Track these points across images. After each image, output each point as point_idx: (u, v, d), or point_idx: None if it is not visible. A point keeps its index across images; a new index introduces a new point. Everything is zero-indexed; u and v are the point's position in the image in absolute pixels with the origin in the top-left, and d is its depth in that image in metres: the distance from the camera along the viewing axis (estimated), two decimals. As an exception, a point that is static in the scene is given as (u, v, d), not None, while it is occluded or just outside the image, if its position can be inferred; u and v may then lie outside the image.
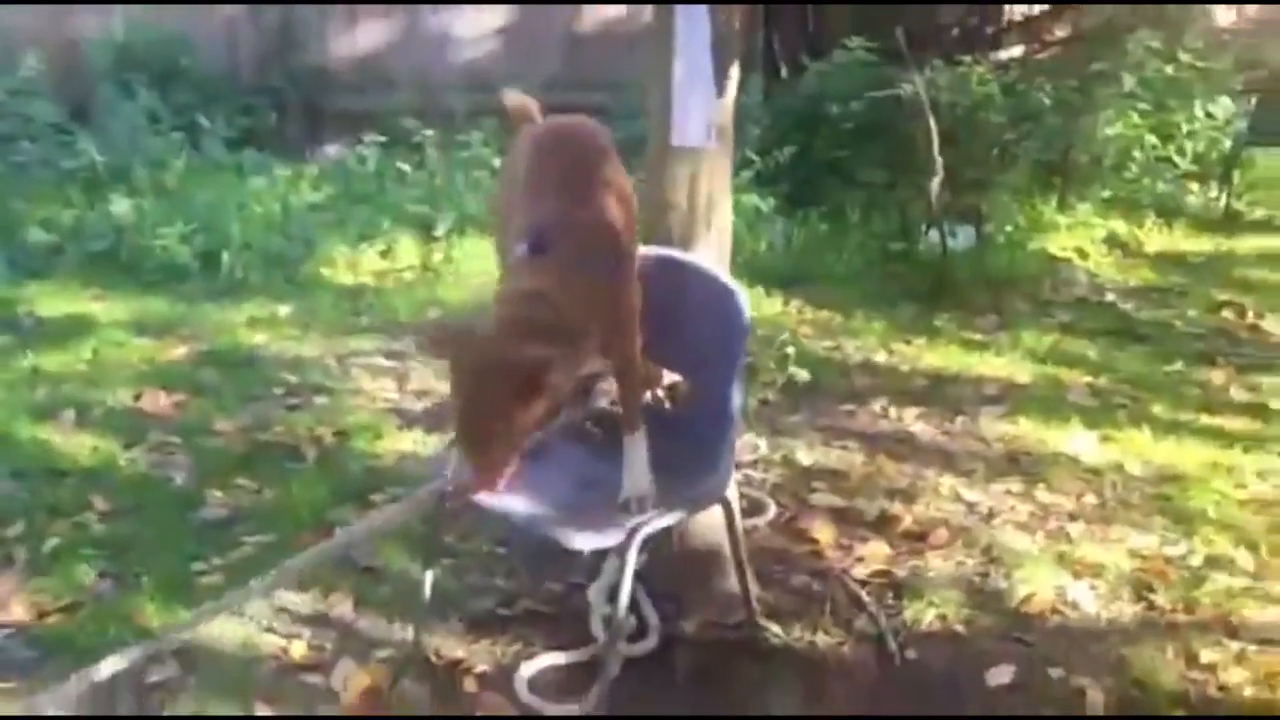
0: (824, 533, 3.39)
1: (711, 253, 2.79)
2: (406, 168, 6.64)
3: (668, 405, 2.79)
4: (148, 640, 2.65)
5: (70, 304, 5.22)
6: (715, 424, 2.56)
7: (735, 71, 2.74)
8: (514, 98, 2.80)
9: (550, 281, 2.25)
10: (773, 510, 3.50)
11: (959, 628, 2.95)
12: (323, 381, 4.39)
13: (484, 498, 2.37)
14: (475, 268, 5.55)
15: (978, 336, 4.98)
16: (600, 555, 2.72)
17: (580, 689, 2.66)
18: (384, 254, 5.75)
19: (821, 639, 2.91)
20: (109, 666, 2.08)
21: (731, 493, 2.76)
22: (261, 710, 2.62)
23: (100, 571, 3.16)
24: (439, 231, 5.84)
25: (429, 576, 2.78)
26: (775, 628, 2.93)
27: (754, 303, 5.06)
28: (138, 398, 4.24)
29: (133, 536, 3.33)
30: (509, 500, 2.42)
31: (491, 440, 2.18)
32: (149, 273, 5.53)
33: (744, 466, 3.74)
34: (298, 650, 2.84)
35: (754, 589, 2.88)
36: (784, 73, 7.78)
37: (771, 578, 3.14)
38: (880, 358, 4.78)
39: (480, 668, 2.80)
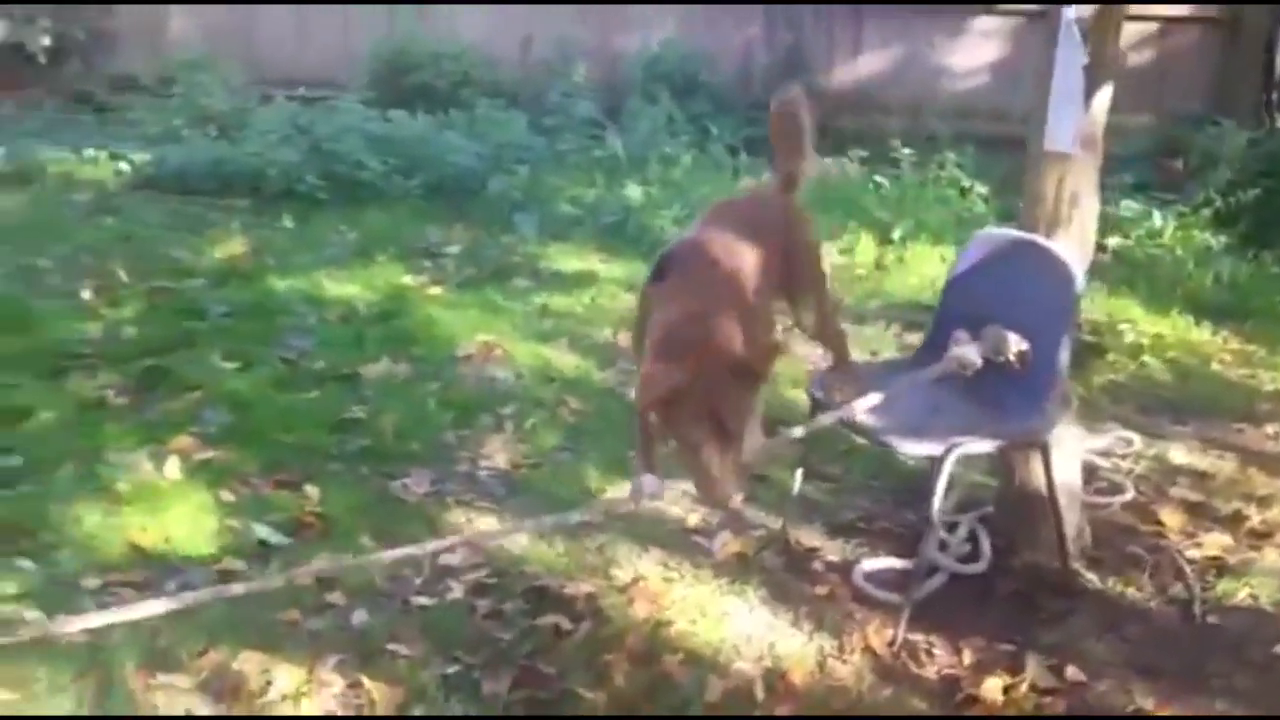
0: (1172, 519, 3.71)
1: (1072, 243, 3.25)
2: (884, 181, 7.31)
3: (1017, 366, 3.29)
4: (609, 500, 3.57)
5: (581, 262, 6.32)
6: (1044, 375, 3.07)
7: (1107, 92, 3.19)
8: None
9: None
10: (1130, 495, 3.86)
11: (1268, 607, 3.24)
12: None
13: (856, 413, 3.01)
14: (922, 269, 6.14)
15: None
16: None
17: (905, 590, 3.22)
18: (844, 250, 6.45)
19: (1133, 593, 3.30)
20: (577, 515, 2.96)
21: (1068, 447, 3.24)
22: (654, 552, 3.40)
23: (561, 446, 4.10)
24: (896, 235, 6.46)
25: (798, 475, 3.47)
26: (1092, 575, 3.35)
27: (1181, 328, 5.37)
28: (617, 334, 5.20)
29: (591, 427, 4.25)
30: (866, 417, 3.06)
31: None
32: (646, 244, 6.51)
33: (1114, 456, 4.12)
34: (692, 519, 3.62)
35: (1072, 537, 3.33)
36: (1277, 125, 7.74)
37: (1109, 542, 3.54)
38: (1294, 389, 4.91)
39: (830, 557, 3.45)
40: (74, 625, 2.55)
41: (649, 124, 7.91)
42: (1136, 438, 4.24)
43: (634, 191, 7.06)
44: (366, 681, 2.81)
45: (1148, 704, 2.80)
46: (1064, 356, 3.06)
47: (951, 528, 3.44)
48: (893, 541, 3.54)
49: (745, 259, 2.74)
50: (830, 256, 6.41)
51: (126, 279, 5.68)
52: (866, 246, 6.45)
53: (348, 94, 8.57)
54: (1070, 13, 3.12)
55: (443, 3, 9.34)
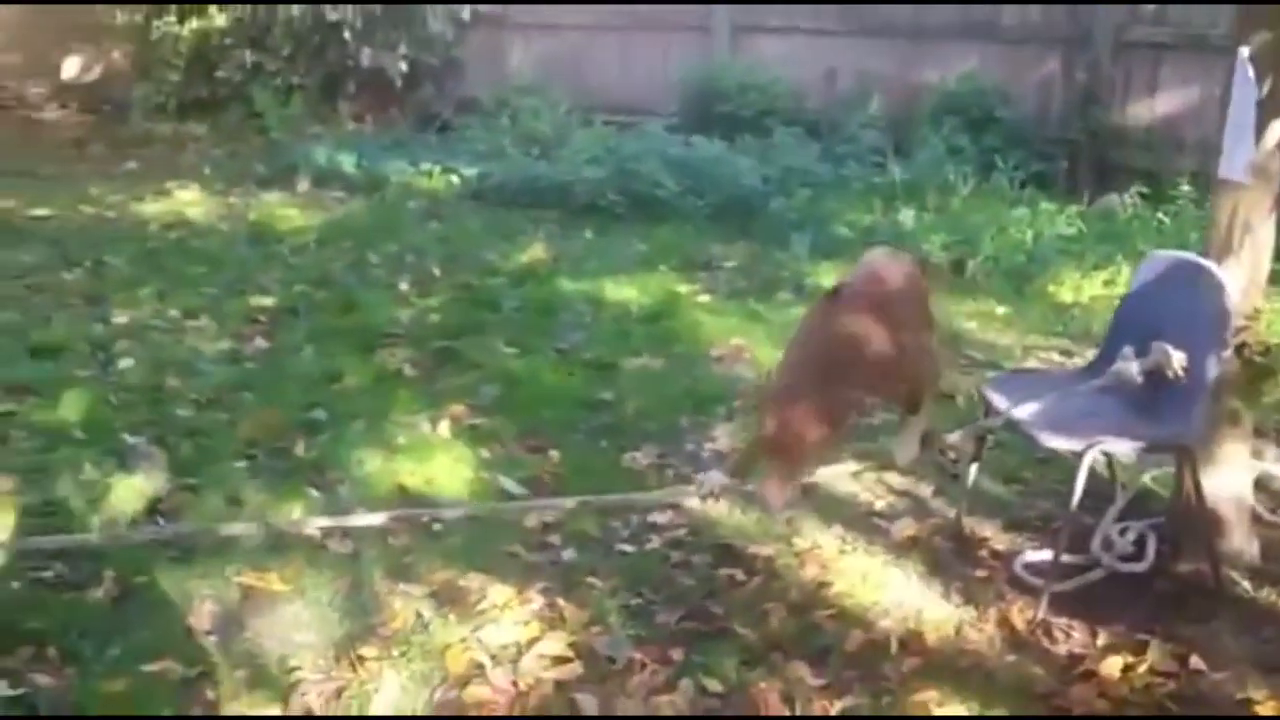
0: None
1: (1242, 269, 3.44)
2: (1165, 218, 7.34)
3: (1183, 379, 3.49)
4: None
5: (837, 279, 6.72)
6: (1192, 385, 3.30)
7: (1278, 125, 3.38)
8: None
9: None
10: (1320, 518, 3.96)
11: None
12: (999, 360, 5.42)
13: (1013, 409, 3.37)
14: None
15: None
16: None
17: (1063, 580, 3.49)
18: (1107, 282, 6.57)
19: (1283, 601, 3.45)
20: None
21: (1237, 462, 3.48)
22: (836, 528, 3.81)
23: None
24: (1159, 268, 6.52)
25: (973, 469, 3.79)
26: (1246, 583, 3.51)
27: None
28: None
29: (809, 422, 4.67)
30: (1021, 409, 3.39)
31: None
32: (910, 267, 6.86)
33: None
34: (879, 505, 4.01)
35: (1236, 549, 3.54)
36: None
37: (1276, 556, 3.68)
38: None
39: (997, 547, 3.75)
40: (320, 523, 3.25)
41: (930, 153, 8.20)
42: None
43: (906, 216, 7.41)
44: (561, 602, 3.37)
45: (1258, 695, 2.98)
46: (1212, 369, 3.28)
47: (1123, 531, 3.66)
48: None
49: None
50: (1091, 287, 6.57)
51: (439, 275, 6.57)
52: (1128, 279, 6.53)
53: (658, 119, 9.31)
54: (1245, 50, 3.35)
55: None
